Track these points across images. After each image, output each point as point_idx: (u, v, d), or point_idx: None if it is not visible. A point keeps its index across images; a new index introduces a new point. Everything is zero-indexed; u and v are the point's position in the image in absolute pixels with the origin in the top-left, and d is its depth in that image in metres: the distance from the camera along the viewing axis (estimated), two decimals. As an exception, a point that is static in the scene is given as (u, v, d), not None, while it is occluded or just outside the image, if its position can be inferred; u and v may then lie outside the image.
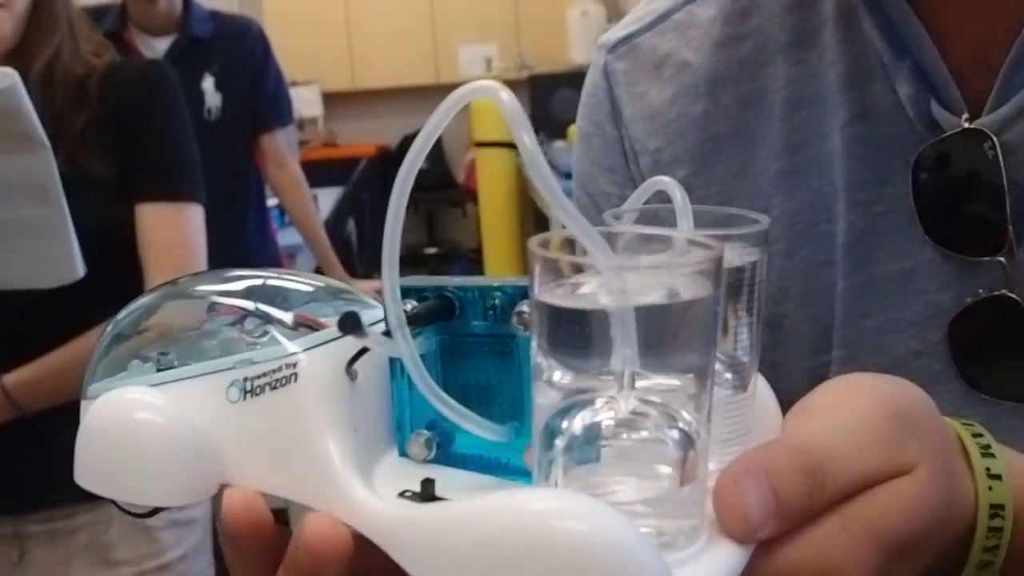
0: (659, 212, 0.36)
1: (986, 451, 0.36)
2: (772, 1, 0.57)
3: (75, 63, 1.25)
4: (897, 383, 0.35)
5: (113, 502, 0.38)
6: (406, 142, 6.04)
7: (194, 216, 1.31)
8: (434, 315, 0.35)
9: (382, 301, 0.34)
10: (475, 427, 0.33)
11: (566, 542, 0.25)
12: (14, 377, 1.22)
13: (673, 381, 0.29)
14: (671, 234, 0.32)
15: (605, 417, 0.29)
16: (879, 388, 0.35)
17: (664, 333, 0.29)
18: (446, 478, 0.34)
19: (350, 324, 0.31)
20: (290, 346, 0.36)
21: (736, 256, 0.34)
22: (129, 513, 0.40)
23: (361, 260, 4.28)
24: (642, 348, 0.28)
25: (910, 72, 0.50)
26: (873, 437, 0.33)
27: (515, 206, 5.16)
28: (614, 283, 0.27)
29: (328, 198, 3.48)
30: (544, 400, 0.29)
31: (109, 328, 0.42)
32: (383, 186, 5.87)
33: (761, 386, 0.37)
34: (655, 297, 0.29)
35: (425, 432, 0.36)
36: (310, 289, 0.41)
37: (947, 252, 0.50)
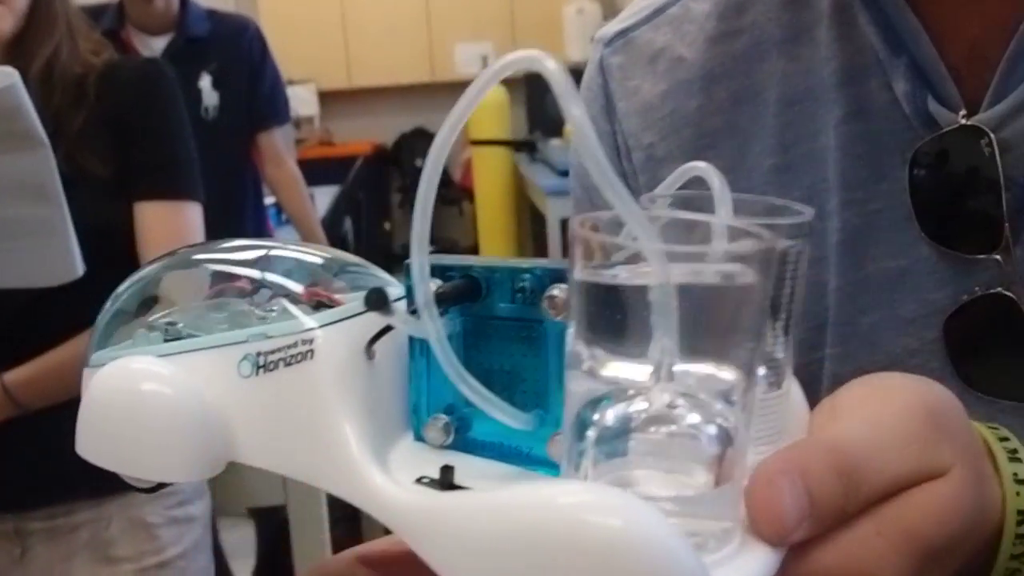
0: (693, 199, 0.34)
1: (1013, 456, 0.35)
2: None
3: (74, 62, 1.25)
4: (925, 382, 0.34)
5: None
6: (402, 140, 6.04)
7: (192, 214, 1.31)
8: (460, 295, 0.34)
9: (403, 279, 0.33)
10: (502, 413, 0.32)
11: (599, 538, 0.24)
12: (14, 376, 1.22)
13: (714, 374, 0.28)
14: (714, 221, 0.31)
15: (640, 409, 0.27)
16: (910, 388, 0.34)
17: (709, 323, 0.28)
18: (464, 465, 0.33)
19: (377, 300, 0.30)
20: (307, 321, 0.34)
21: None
22: (134, 488, 0.38)
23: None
24: (684, 338, 0.26)
25: (906, 68, 0.50)
26: (907, 438, 0.32)
27: (511, 204, 5.16)
28: (658, 269, 0.26)
29: (324, 196, 3.48)
30: (578, 388, 0.28)
31: (110, 301, 0.41)
32: (379, 184, 5.87)
33: (792, 385, 0.35)
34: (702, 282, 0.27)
35: (443, 417, 0.35)
36: (320, 261, 0.40)
37: (943, 250, 0.49)
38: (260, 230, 2.44)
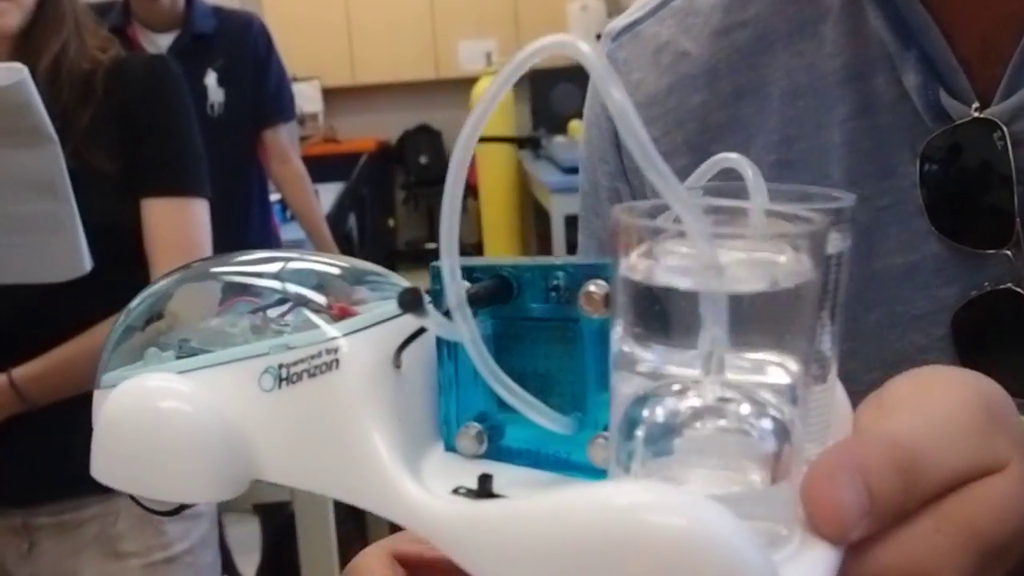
0: (724, 190, 0.33)
1: None
2: None
3: (81, 58, 1.26)
4: (975, 375, 0.33)
5: (132, 498, 0.36)
6: (406, 137, 6.04)
7: (199, 211, 1.32)
8: (492, 296, 0.33)
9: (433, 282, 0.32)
10: (541, 417, 0.30)
11: (662, 538, 0.22)
12: (22, 371, 1.23)
13: (768, 366, 0.27)
14: (758, 207, 0.29)
15: (691, 405, 0.26)
16: (962, 380, 0.33)
17: (762, 311, 0.26)
18: (501, 474, 0.31)
19: (412, 301, 0.29)
20: (330, 330, 0.33)
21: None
22: (150, 510, 0.37)
23: (362, 255, 4.27)
24: (736, 328, 0.25)
25: (917, 61, 0.49)
26: (964, 432, 0.31)
27: (515, 201, 5.16)
28: (707, 255, 0.25)
29: (329, 193, 3.48)
30: (628, 389, 0.27)
31: (122, 316, 0.40)
32: (383, 181, 5.87)
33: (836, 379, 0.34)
34: (756, 274, 0.26)
35: (475, 425, 0.33)
36: (337, 271, 0.39)
37: (953, 245, 0.49)
38: (265, 227, 2.44)
